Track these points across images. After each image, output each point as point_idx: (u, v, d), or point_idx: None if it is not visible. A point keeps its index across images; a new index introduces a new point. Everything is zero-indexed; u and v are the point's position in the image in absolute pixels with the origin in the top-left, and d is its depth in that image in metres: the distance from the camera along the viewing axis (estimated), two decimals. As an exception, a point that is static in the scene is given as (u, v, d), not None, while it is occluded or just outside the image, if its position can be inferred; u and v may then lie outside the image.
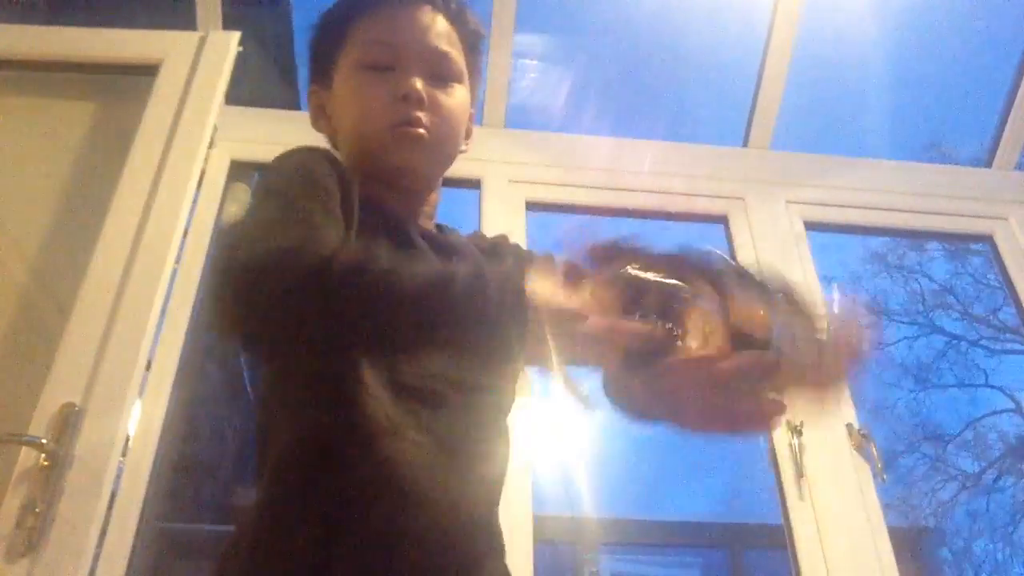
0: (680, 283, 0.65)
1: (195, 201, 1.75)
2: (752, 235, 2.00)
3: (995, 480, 7.85)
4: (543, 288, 0.65)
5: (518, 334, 0.63)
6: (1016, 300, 2.08)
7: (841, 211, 2.14)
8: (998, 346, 8.19)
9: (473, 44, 0.93)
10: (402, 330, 0.65)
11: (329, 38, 0.92)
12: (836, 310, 0.67)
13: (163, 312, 1.60)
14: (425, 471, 0.71)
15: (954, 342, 8.37)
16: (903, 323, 8.43)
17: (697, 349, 0.63)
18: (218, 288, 0.65)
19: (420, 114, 0.84)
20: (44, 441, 1.35)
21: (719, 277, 0.67)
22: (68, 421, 1.38)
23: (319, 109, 0.94)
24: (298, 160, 0.79)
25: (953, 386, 8.32)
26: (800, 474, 1.65)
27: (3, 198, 1.76)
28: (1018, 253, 2.10)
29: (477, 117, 1.28)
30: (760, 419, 0.67)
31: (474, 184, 1.94)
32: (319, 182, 0.74)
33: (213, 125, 1.80)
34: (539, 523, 1.57)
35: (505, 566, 0.78)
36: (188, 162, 1.71)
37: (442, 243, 0.87)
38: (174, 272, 1.64)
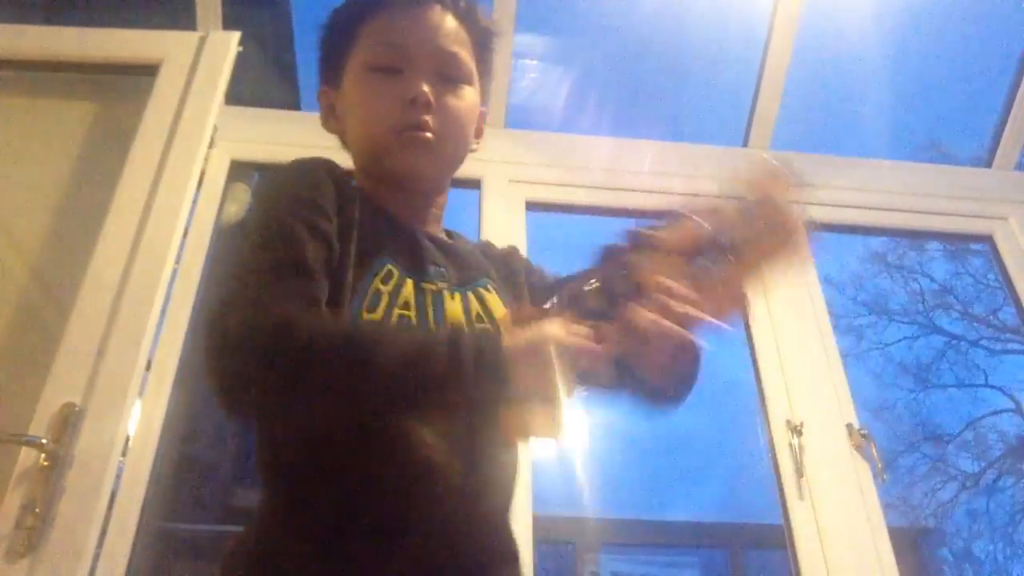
0: (600, 275, 0.69)
1: (195, 201, 1.75)
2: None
3: (995, 480, 7.85)
4: (546, 329, 0.66)
5: (498, 392, 0.64)
6: (1016, 300, 2.08)
7: (841, 211, 2.14)
8: (998, 346, 8.19)
9: (483, 42, 0.93)
10: (379, 408, 0.66)
11: (338, 39, 0.91)
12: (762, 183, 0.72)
13: (163, 312, 1.60)
14: (438, 474, 0.71)
15: (954, 342, 8.37)
16: (903, 323, 8.44)
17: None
18: (204, 359, 0.66)
19: (427, 118, 0.84)
20: (44, 441, 1.35)
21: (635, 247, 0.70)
22: (68, 421, 1.38)
23: (329, 109, 0.94)
24: (291, 186, 0.78)
25: (953, 386, 8.32)
26: (800, 474, 1.65)
27: (3, 198, 1.76)
28: (1018, 253, 2.10)
29: (477, 117, 1.27)
30: (727, 306, 0.69)
31: (474, 184, 1.94)
32: (310, 215, 0.74)
33: (213, 125, 1.80)
34: (539, 523, 1.57)
35: (520, 571, 0.78)
36: (188, 162, 1.70)
37: (448, 249, 0.87)
38: (174, 272, 1.64)
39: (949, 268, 8.36)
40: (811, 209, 2.45)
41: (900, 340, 8.37)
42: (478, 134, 0.94)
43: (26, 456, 1.36)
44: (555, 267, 0.97)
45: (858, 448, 1.71)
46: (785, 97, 2.16)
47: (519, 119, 2.20)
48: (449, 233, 0.95)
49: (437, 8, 0.88)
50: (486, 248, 0.97)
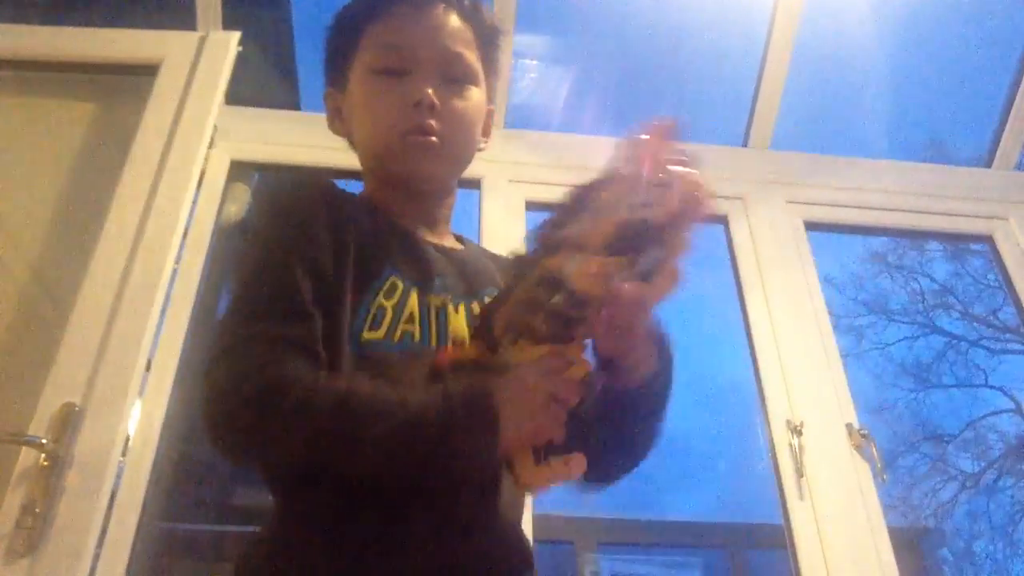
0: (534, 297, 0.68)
1: (195, 201, 1.75)
2: (752, 235, 2.00)
3: (995, 480, 7.85)
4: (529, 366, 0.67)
5: (494, 455, 0.65)
6: (1016, 300, 2.08)
7: (841, 211, 2.14)
8: (998, 346, 8.19)
9: (489, 40, 0.92)
10: (370, 475, 0.67)
11: (343, 41, 0.91)
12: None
13: (163, 312, 1.60)
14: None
15: (954, 342, 8.37)
16: (903, 323, 8.43)
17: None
18: (199, 407, 0.67)
19: (432, 121, 0.83)
20: (44, 441, 1.35)
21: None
22: (68, 421, 1.38)
23: (335, 111, 0.93)
24: (281, 219, 0.77)
25: (953, 386, 8.32)
26: (800, 474, 1.65)
27: (3, 198, 1.76)
28: (1018, 253, 2.10)
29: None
30: (670, 286, 0.68)
31: (474, 184, 1.94)
32: (302, 248, 0.74)
33: (213, 125, 1.80)
34: (539, 523, 1.57)
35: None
36: (188, 162, 1.71)
37: (455, 258, 0.87)
38: (174, 272, 1.64)
39: (949, 268, 8.36)
40: (811, 209, 2.43)
41: (900, 340, 8.37)
42: (486, 133, 0.94)
43: (26, 456, 1.36)
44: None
45: (858, 448, 1.71)
46: (785, 97, 2.16)
47: (519, 119, 2.20)
48: (459, 238, 0.94)
49: (441, 8, 0.88)
50: (496, 256, 0.96)
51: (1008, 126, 2.24)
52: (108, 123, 1.88)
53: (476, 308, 0.82)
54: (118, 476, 1.42)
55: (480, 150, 0.93)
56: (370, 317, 0.74)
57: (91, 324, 1.49)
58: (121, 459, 1.43)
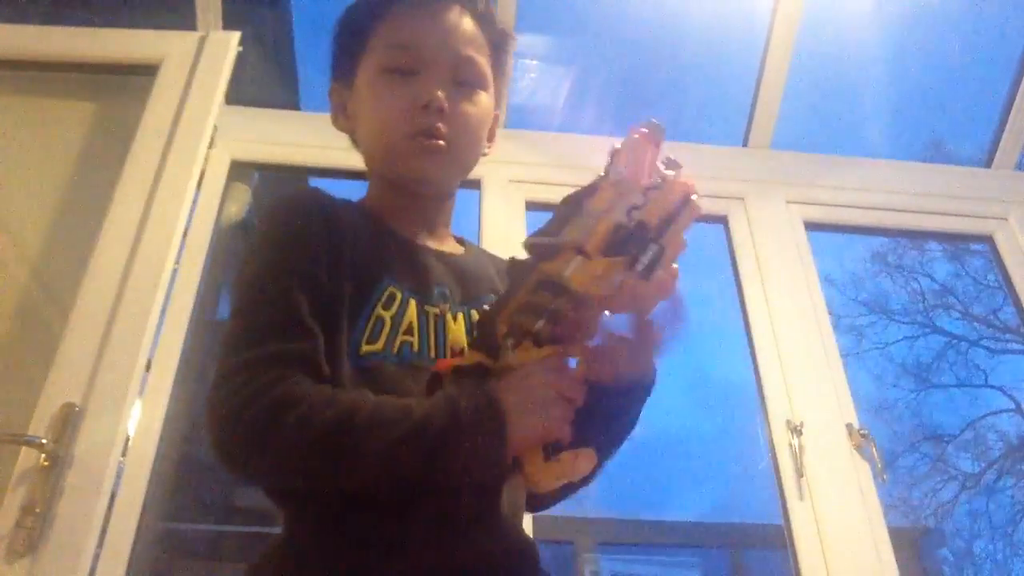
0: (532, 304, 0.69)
1: (195, 201, 1.75)
2: (752, 235, 2.00)
3: (995, 480, 7.85)
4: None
5: (501, 460, 0.65)
6: (1016, 300, 2.08)
7: (841, 211, 2.14)
8: (998, 346, 8.19)
9: (499, 45, 0.92)
10: (376, 486, 0.67)
11: (353, 37, 0.90)
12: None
13: (163, 312, 1.60)
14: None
15: (954, 342, 8.36)
16: (903, 323, 8.43)
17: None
18: (205, 427, 0.68)
19: (441, 124, 0.82)
20: (44, 441, 1.35)
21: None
22: (68, 421, 1.38)
23: (340, 107, 0.92)
24: (278, 235, 0.77)
25: (953, 386, 8.31)
26: (800, 474, 1.65)
27: (3, 198, 1.76)
28: (1018, 253, 2.10)
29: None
30: (667, 289, 0.70)
31: (474, 184, 1.94)
32: (299, 264, 0.73)
33: (213, 125, 1.80)
34: (539, 523, 1.57)
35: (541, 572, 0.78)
36: (188, 162, 1.71)
37: (454, 264, 0.86)
38: (174, 272, 1.64)
39: (949, 269, 8.36)
40: (811, 209, 2.44)
41: (900, 340, 8.37)
42: (490, 138, 0.93)
43: (26, 456, 1.36)
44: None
45: (858, 448, 1.71)
46: (785, 97, 2.16)
47: (519, 119, 2.20)
48: (460, 240, 0.94)
49: (456, 9, 0.87)
50: (498, 261, 0.95)
51: (1008, 126, 2.24)
52: (108, 123, 1.88)
53: (475, 316, 0.82)
54: (118, 476, 1.42)
55: (484, 155, 0.92)
56: (369, 329, 0.74)
57: (91, 324, 1.49)
58: (121, 459, 1.43)
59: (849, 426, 1.73)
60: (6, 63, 1.88)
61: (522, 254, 0.71)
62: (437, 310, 0.79)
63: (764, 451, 1.75)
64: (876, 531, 1.63)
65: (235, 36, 1.91)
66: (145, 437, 1.52)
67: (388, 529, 0.68)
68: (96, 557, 1.34)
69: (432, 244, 0.88)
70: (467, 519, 0.70)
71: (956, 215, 2.18)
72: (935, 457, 7.95)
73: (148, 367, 1.54)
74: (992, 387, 8.20)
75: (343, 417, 0.65)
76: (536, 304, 0.68)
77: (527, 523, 1.56)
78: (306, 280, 0.72)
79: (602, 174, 0.69)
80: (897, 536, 1.66)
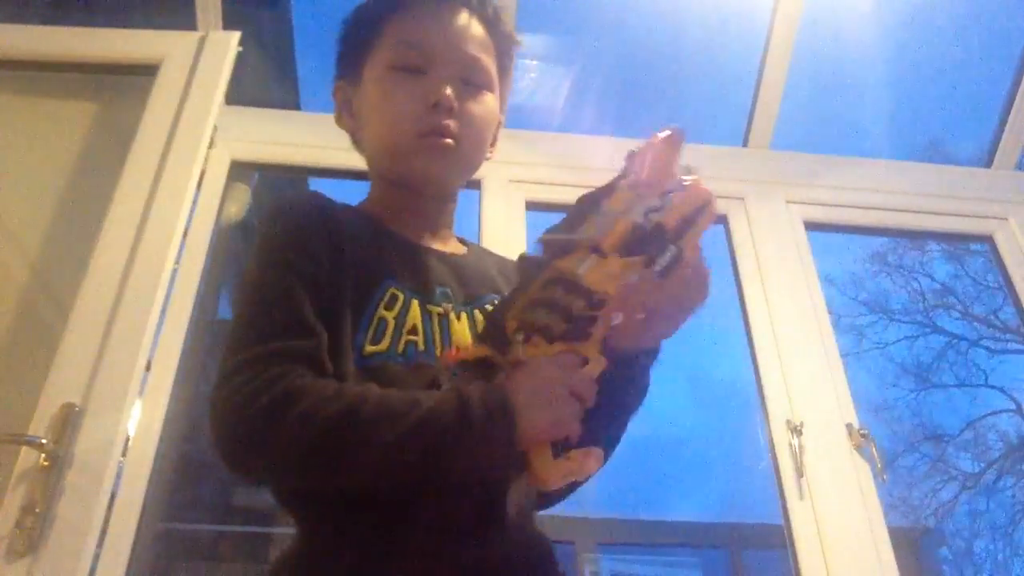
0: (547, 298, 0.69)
1: (195, 201, 1.75)
2: (752, 235, 2.00)
3: (995, 480, 7.85)
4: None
5: (512, 453, 0.64)
6: (1016, 300, 2.08)
7: (841, 211, 2.14)
8: (998, 346, 8.19)
9: (506, 50, 0.92)
10: (386, 481, 0.66)
11: (361, 34, 0.90)
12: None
13: (163, 312, 1.59)
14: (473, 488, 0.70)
15: (954, 342, 8.37)
16: (903, 323, 8.43)
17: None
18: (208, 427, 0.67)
19: (449, 123, 0.82)
20: (44, 441, 1.35)
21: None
22: (68, 421, 1.38)
23: (344, 105, 0.92)
24: (278, 238, 0.77)
25: (953, 386, 8.32)
26: (800, 474, 1.65)
27: (3, 198, 1.76)
28: (1018, 253, 2.10)
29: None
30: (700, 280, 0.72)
31: (474, 184, 1.94)
32: (300, 265, 0.73)
33: (213, 125, 1.80)
34: (539, 523, 1.57)
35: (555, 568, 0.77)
36: (188, 162, 1.71)
37: (455, 265, 0.86)
38: (174, 272, 1.64)
39: (949, 270, 8.36)
40: (811, 209, 2.44)
41: (900, 340, 8.37)
42: (494, 142, 0.93)
43: (26, 456, 1.36)
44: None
45: (858, 448, 1.71)
46: (785, 97, 2.16)
47: (519, 119, 2.20)
48: (462, 241, 0.94)
49: (465, 11, 0.87)
50: (502, 261, 0.95)
51: (1008, 126, 2.24)
52: (108, 123, 1.88)
53: (479, 315, 0.81)
54: (118, 476, 1.42)
55: (487, 159, 0.92)
56: (372, 330, 0.74)
57: (91, 324, 1.49)
58: (121, 459, 1.43)
59: (849, 426, 1.73)
60: (6, 63, 1.88)
61: (528, 252, 0.71)
62: (440, 309, 0.79)
63: (764, 451, 1.75)
64: (876, 531, 1.63)
65: (235, 36, 1.91)
66: (145, 437, 1.52)
67: (395, 533, 0.67)
68: (96, 557, 1.34)
69: (434, 245, 0.87)
70: (473, 520, 0.70)
71: (956, 215, 2.18)
72: (935, 457, 7.95)
73: (148, 367, 1.54)
74: (992, 387, 8.21)
75: (348, 410, 0.64)
76: (549, 300, 0.67)
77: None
78: (307, 280, 0.72)
79: (620, 175, 0.70)
80: (897, 536, 1.66)
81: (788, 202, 2.08)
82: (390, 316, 0.75)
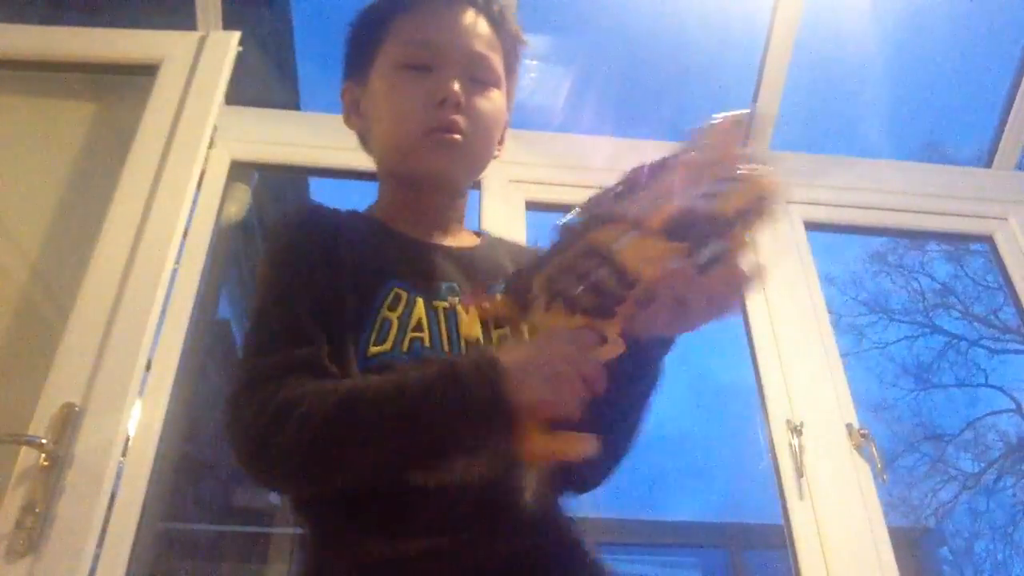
0: (579, 268, 0.64)
1: (195, 201, 1.75)
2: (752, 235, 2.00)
3: (995, 480, 7.85)
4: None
5: (508, 421, 0.62)
6: (1016, 300, 2.08)
7: (841, 211, 2.14)
8: (998, 346, 8.19)
9: (512, 48, 0.92)
10: (391, 466, 0.66)
11: (368, 34, 0.90)
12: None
13: (163, 312, 1.60)
14: (479, 483, 0.70)
15: (954, 342, 8.37)
16: (903, 323, 8.43)
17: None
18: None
19: (457, 119, 0.83)
20: (44, 441, 1.35)
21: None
22: (68, 421, 1.38)
23: (353, 105, 0.92)
24: (279, 252, 0.79)
25: (953, 386, 8.31)
26: (800, 474, 1.65)
27: (3, 198, 1.76)
28: (1018, 253, 2.10)
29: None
30: (732, 289, 0.65)
31: (474, 184, 1.93)
32: (301, 277, 0.75)
33: (213, 125, 1.80)
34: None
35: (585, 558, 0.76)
36: (188, 162, 1.71)
37: (461, 258, 0.86)
38: (174, 272, 1.64)
39: (949, 269, 8.36)
40: (811, 209, 2.43)
41: (900, 340, 8.37)
42: (501, 141, 0.94)
43: (26, 456, 1.36)
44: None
45: (858, 448, 1.71)
46: (785, 97, 2.16)
47: (519, 119, 2.19)
48: (478, 234, 0.94)
49: (471, 10, 0.88)
50: (517, 250, 0.94)
51: (1008, 126, 2.24)
52: (108, 123, 1.88)
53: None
54: (118, 476, 1.42)
55: (495, 157, 0.92)
56: (375, 331, 0.74)
57: (91, 324, 1.49)
58: (121, 459, 1.43)
59: (849, 426, 1.73)
60: (6, 63, 1.88)
61: (570, 219, 0.68)
62: (446, 304, 0.79)
63: (764, 451, 1.75)
64: (876, 531, 1.63)
65: (235, 36, 1.91)
66: (145, 437, 1.52)
67: (400, 529, 0.68)
68: (96, 557, 1.34)
69: (443, 241, 0.87)
70: (481, 511, 0.69)
71: (956, 215, 2.18)
72: (935, 457, 7.95)
73: (148, 367, 1.54)
74: (992, 387, 8.21)
75: (345, 398, 0.65)
76: (581, 270, 0.63)
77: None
78: (305, 290, 0.74)
79: (678, 152, 0.64)
80: (897, 536, 1.66)
81: (788, 202, 2.08)
82: (394, 316, 0.75)
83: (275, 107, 2.17)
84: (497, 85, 0.88)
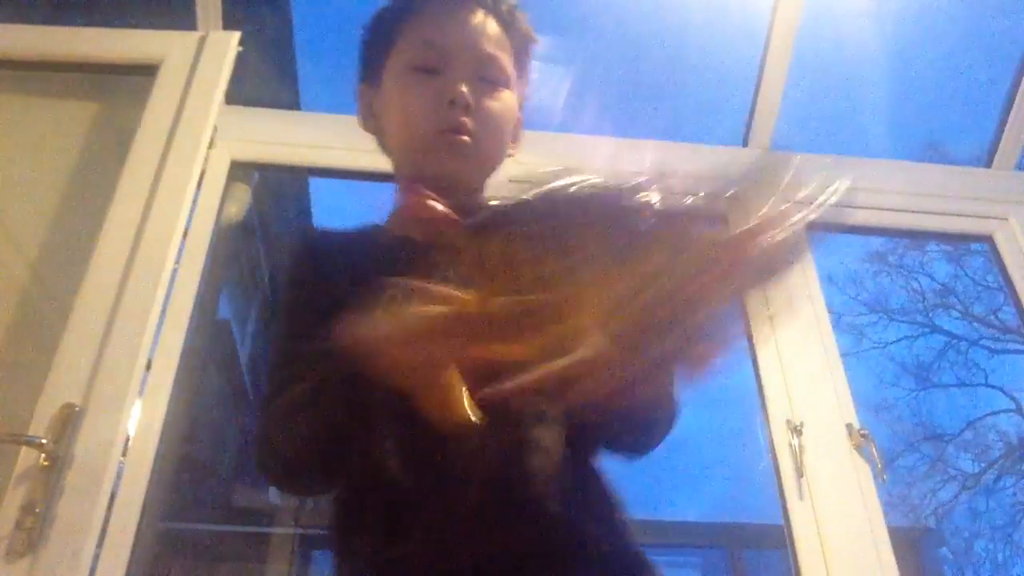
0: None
1: (195, 201, 1.75)
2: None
3: (995, 480, 7.85)
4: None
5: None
6: (1016, 300, 2.08)
7: (841, 211, 2.14)
8: (998, 346, 8.19)
9: (523, 47, 0.93)
10: (330, 431, 0.68)
11: (379, 37, 0.91)
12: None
13: (163, 312, 1.60)
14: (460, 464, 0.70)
15: (954, 342, 8.37)
16: (903, 323, 8.44)
17: None
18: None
19: (465, 119, 0.83)
20: (44, 441, 1.35)
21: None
22: (68, 421, 1.38)
23: (367, 108, 0.93)
24: (285, 288, 0.84)
25: (953, 386, 8.32)
26: (800, 474, 1.65)
27: (3, 198, 1.76)
28: (1018, 253, 2.10)
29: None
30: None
31: (474, 184, 1.94)
32: (300, 310, 0.79)
33: (213, 125, 1.80)
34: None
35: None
36: (188, 162, 1.71)
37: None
38: (174, 272, 1.64)
39: (949, 271, 8.36)
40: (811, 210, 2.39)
41: (900, 339, 8.37)
42: (514, 139, 0.94)
43: (26, 456, 1.36)
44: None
45: (858, 448, 1.71)
46: (785, 97, 2.16)
47: (519, 119, 2.19)
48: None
49: (480, 10, 0.88)
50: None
51: (1008, 126, 2.24)
52: (108, 123, 1.88)
53: None
54: (118, 476, 1.42)
55: (509, 155, 0.93)
56: None
57: (91, 324, 1.49)
58: (121, 459, 1.43)
59: (849, 426, 1.73)
60: (6, 63, 1.88)
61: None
62: None
63: (764, 451, 1.75)
64: (876, 531, 1.63)
65: (235, 36, 1.91)
66: (145, 437, 1.52)
67: (400, 533, 0.68)
68: (96, 557, 1.34)
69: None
70: (482, 510, 0.68)
71: (956, 215, 2.18)
72: (935, 457, 7.95)
73: (148, 367, 1.54)
74: (992, 387, 8.21)
75: (304, 387, 0.69)
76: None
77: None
78: (301, 316, 0.78)
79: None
80: (897, 536, 1.65)
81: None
82: None
83: (275, 107, 2.17)
84: (507, 85, 0.89)
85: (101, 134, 1.85)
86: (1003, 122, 2.25)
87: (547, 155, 2.07)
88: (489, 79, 0.87)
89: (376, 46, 0.91)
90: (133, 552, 1.41)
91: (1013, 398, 8.17)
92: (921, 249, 8.07)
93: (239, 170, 1.94)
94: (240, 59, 1.91)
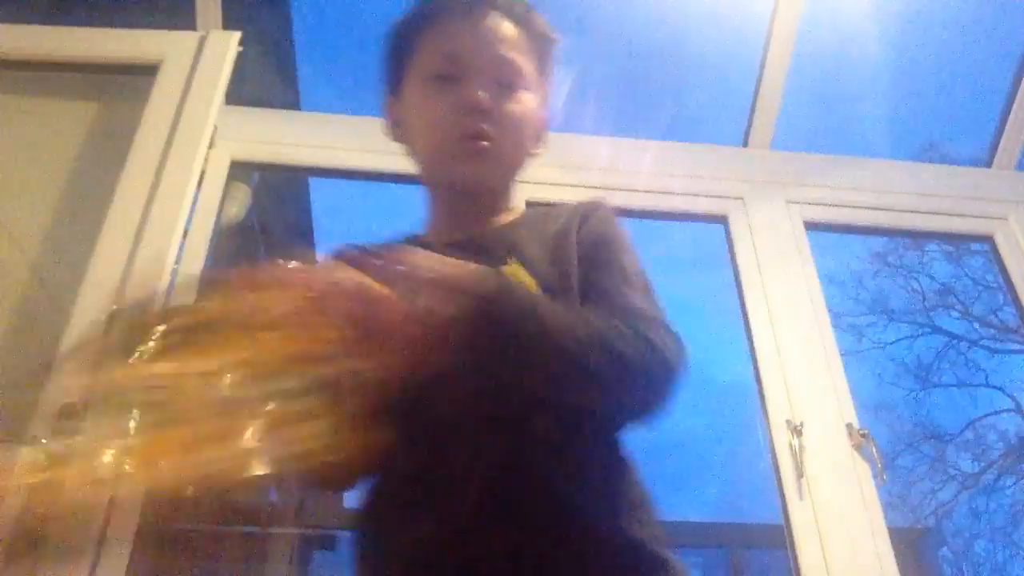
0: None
1: (195, 201, 1.75)
2: (752, 235, 2.00)
3: (995, 480, 7.85)
4: None
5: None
6: (1016, 300, 2.08)
7: (841, 211, 2.14)
8: (998, 346, 8.19)
9: (543, 48, 0.93)
10: None
11: (398, 49, 0.93)
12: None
13: (163, 312, 1.59)
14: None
15: (954, 342, 8.37)
16: (903, 323, 8.43)
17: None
18: None
19: (485, 125, 0.84)
20: (44, 441, 1.35)
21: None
22: (68, 421, 1.38)
23: (393, 120, 0.94)
24: None
25: (953, 386, 8.32)
26: (800, 474, 1.65)
27: (3, 198, 1.76)
28: (1018, 253, 2.10)
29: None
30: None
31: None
32: None
33: (213, 125, 1.80)
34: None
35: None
36: (188, 162, 1.71)
37: (479, 248, 0.82)
38: (174, 272, 1.64)
39: (949, 271, 8.36)
40: (811, 209, 2.42)
41: (900, 339, 8.37)
42: (540, 139, 0.94)
43: (26, 456, 1.36)
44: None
45: (858, 448, 1.71)
46: (785, 97, 2.16)
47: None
48: (523, 212, 0.94)
49: (494, 15, 0.89)
50: (557, 218, 0.89)
51: (1008, 126, 2.24)
52: (108, 123, 1.88)
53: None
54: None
55: (535, 155, 0.93)
56: None
57: (91, 324, 1.48)
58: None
59: (849, 426, 1.73)
60: (6, 63, 1.88)
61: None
62: None
63: (764, 451, 1.75)
64: (876, 531, 1.63)
65: (235, 36, 1.91)
66: (145, 437, 1.51)
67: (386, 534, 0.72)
68: (96, 557, 1.34)
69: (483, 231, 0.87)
70: (491, 505, 0.68)
71: (956, 215, 2.18)
72: (935, 457, 7.95)
73: (148, 367, 1.53)
74: (992, 387, 8.21)
75: None
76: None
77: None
78: None
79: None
80: (897, 536, 1.66)
81: (788, 202, 2.08)
82: None
83: (275, 107, 2.17)
84: (527, 87, 0.89)
85: (101, 134, 1.85)
86: (1003, 122, 2.25)
87: (547, 155, 2.07)
88: (508, 83, 0.87)
89: (396, 58, 0.93)
90: (133, 552, 1.41)
91: (1013, 398, 8.17)
92: (921, 249, 8.07)
93: (239, 170, 1.95)
94: (240, 59, 1.91)
